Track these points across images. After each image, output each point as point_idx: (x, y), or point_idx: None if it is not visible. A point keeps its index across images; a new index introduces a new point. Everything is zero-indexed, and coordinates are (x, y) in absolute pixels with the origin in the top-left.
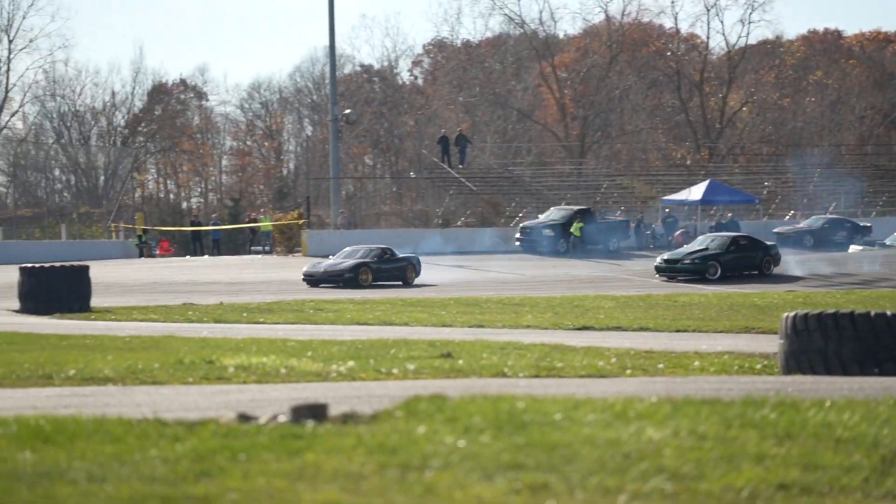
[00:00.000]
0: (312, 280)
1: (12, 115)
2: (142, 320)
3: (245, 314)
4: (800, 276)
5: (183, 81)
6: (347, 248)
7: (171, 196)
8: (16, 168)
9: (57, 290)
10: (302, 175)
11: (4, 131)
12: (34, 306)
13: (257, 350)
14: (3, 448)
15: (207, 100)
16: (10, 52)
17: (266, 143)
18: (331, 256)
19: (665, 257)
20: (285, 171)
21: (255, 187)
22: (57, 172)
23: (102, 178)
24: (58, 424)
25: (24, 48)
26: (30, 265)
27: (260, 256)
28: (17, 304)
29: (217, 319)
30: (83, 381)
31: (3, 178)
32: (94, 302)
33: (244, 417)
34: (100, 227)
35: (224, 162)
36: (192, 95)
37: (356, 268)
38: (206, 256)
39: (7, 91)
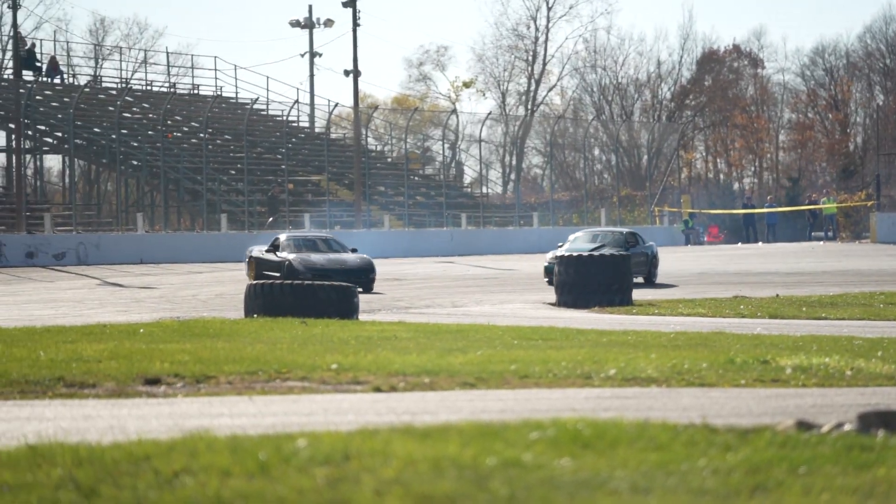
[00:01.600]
0: None
1: (550, 89)
2: (688, 315)
3: (804, 308)
4: None
5: (736, 47)
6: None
7: (722, 176)
8: (553, 147)
9: (597, 281)
10: (871, 150)
11: (542, 107)
12: (572, 299)
13: (818, 349)
14: (539, 453)
15: (764, 67)
16: (548, 21)
17: (830, 115)
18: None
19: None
20: (852, 147)
21: (817, 165)
22: (596, 152)
23: (646, 157)
24: (598, 429)
25: (564, 15)
26: (567, 254)
27: (822, 243)
28: (552, 297)
29: (772, 314)
30: (624, 382)
31: (540, 158)
32: (636, 295)
33: (804, 425)
34: (642, 212)
35: (781, 137)
36: (746, 63)
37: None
38: (759, 243)
39: (545, 63)
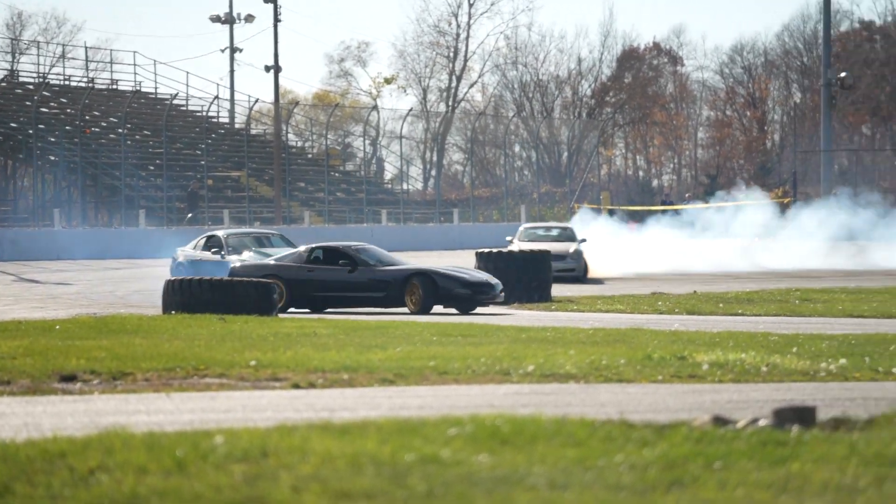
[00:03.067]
0: None
1: (471, 85)
2: (607, 311)
3: (721, 305)
4: None
5: (656, 45)
6: None
7: (641, 173)
8: (473, 144)
9: (516, 278)
10: (788, 148)
11: (462, 104)
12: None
13: (734, 345)
14: (458, 450)
15: (683, 65)
16: (469, 18)
17: (748, 113)
18: None
19: None
20: (769, 144)
21: (735, 162)
22: (517, 148)
23: (565, 153)
24: (516, 425)
25: (485, 12)
26: (486, 250)
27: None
28: None
29: (690, 311)
30: (542, 378)
31: (461, 155)
32: (555, 291)
33: (720, 420)
34: (562, 208)
35: (700, 134)
36: (665, 61)
37: None
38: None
39: (466, 60)
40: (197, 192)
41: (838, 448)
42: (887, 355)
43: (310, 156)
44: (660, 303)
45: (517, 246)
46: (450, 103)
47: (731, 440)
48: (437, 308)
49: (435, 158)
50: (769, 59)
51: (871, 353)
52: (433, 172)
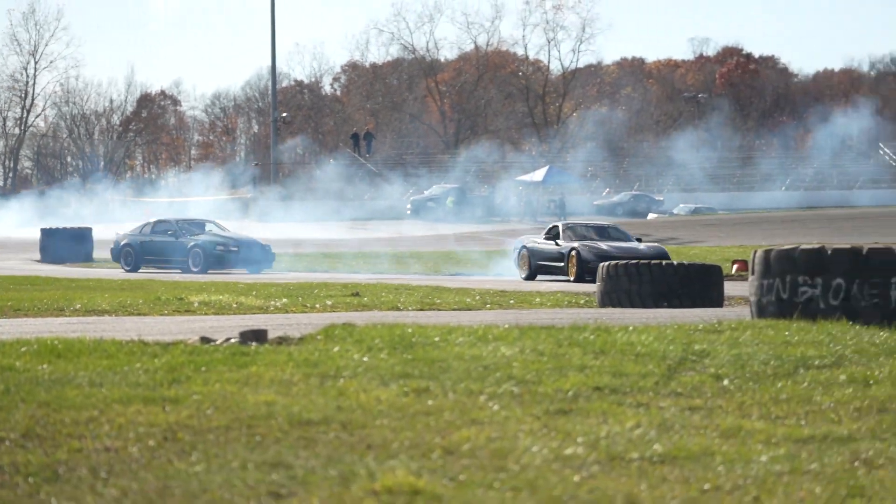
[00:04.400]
0: None
1: (36, 116)
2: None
3: None
4: None
5: (163, 92)
6: None
7: (153, 178)
8: (39, 156)
9: (67, 247)
10: (250, 161)
11: (31, 128)
12: (51, 258)
13: (215, 290)
14: (27, 361)
15: (181, 105)
16: (35, 70)
17: (224, 138)
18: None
19: None
20: (237, 159)
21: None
22: (69, 159)
23: (102, 162)
24: (67, 344)
25: (46, 67)
26: (50, 227)
27: None
28: (38, 256)
29: (184, 269)
30: (87, 313)
31: (30, 162)
32: (96, 255)
33: (205, 340)
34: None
35: (193, 152)
36: (169, 102)
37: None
38: None
39: (33, 99)
40: None
41: (281, 356)
42: (312, 296)
43: None
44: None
45: None
46: (22, 127)
47: (212, 352)
48: (11, 264)
49: (12, 165)
50: (237, 103)
51: (303, 295)
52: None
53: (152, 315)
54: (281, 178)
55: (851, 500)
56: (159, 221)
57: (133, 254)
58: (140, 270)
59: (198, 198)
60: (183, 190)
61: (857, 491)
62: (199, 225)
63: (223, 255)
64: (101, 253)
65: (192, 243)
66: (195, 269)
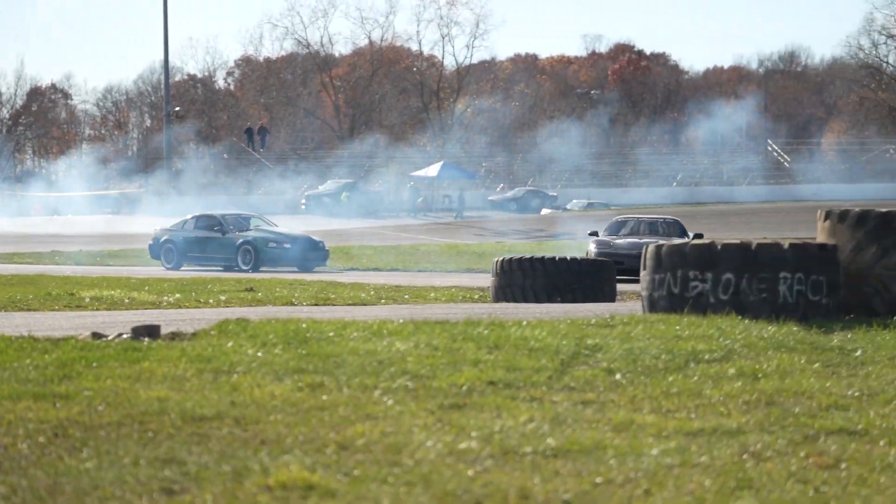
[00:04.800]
0: None
1: None
2: (20, 263)
3: (98, 259)
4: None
5: (53, 85)
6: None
7: (44, 171)
8: None
9: None
10: (141, 152)
11: None
12: None
13: (107, 285)
14: None
15: (72, 99)
16: None
17: (116, 132)
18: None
19: None
20: (130, 153)
21: (116, 162)
22: None
23: None
24: None
25: None
26: None
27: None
28: None
29: (78, 262)
30: None
31: None
32: None
33: (97, 335)
34: None
35: (84, 146)
36: (60, 96)
37: None
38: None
39: None
40: None
41: (174, 352)
42: (206, 291)
43: None
44: (57, 257)
45: None
46: None
47: (104, 348)
48: None
49: None
50: (130, 97)
51: (196, 290)
52: None
53: (43, 311)
54: (173, 172)
55: (740, 492)
56: (202, 216)
57: (175, 251)
58: (182, 269)
59: (87, 192)
60: (73, 185)
61: (746, 483)
62: (245, 220)
63: (276, 252)
64: None
65: (241, 240)
66: (245, 268)
